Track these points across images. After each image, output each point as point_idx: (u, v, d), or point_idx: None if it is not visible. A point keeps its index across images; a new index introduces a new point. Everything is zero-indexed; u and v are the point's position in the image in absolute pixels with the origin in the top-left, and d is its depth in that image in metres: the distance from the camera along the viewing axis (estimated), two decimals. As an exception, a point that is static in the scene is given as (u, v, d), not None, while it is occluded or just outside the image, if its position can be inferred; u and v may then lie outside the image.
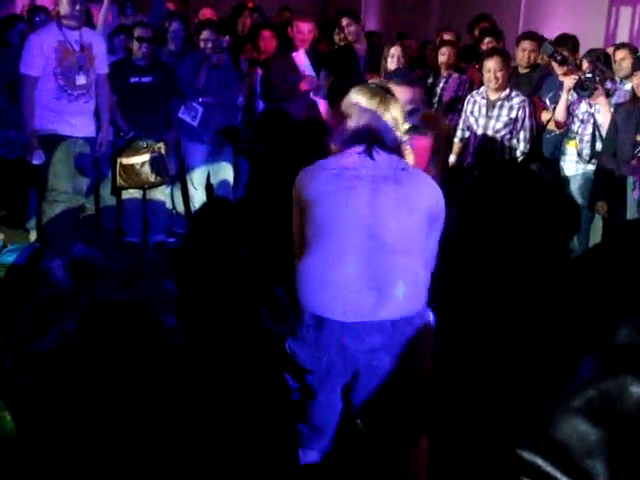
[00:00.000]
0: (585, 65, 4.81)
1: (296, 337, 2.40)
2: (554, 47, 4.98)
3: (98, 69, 4.75)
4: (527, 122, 4.97)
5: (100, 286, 4.62)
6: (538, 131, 5.09)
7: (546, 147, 5.12)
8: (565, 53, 5.14)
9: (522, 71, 5.64)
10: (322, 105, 5.91)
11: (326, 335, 2.31)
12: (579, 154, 4.80)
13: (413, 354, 2.35)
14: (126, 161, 5.17)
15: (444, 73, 5.85)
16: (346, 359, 2.33)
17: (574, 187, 4.86)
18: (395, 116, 2.47)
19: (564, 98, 4.82)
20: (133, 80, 5.27)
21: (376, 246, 2.28)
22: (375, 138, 2.39)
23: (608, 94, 4.68)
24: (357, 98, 2.47)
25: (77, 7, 4.53)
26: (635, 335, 1.11)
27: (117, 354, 3.68)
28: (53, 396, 3.29)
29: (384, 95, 2.50)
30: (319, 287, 2.32)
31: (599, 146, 4.72)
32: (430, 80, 5.88)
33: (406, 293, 2.29)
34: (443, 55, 5.84)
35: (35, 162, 4.54)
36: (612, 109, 4.65)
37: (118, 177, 5.22)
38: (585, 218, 4.81)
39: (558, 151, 4.99)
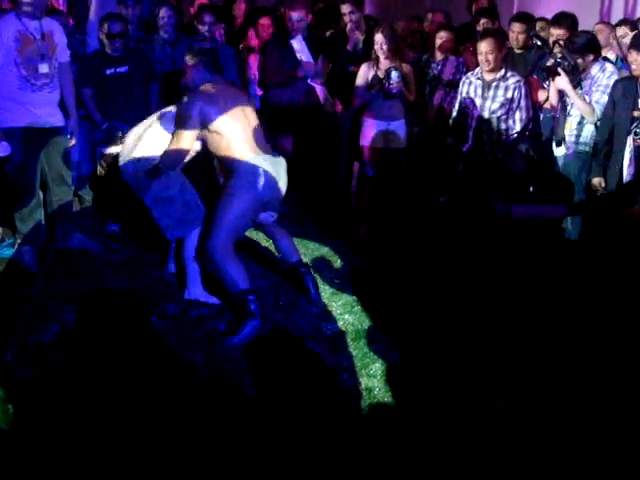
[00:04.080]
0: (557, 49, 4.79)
1: None
2: (533, 30, 4.99)
3: (60, 57, 4.70)
4: (523, 102, 4.96)
5: (100, 277, 4.62)
6: (535, 111, 5.06)
7: (544, 127, 5.10)
8: (561, 32, 5.11)
9: (517, 52, 5.61)
10: (320, 91, 5.89)
11: None
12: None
13: None
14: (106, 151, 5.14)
15: (440, 56, 5.81)
16: None
17: (566, 168, 4.81)
18: None
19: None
20: (109, 72, 5.24)
21: None
22: None
23: (579, 82, 4.62)
24: None
25: None
26: None
27: (118, 344, 3.70)
28: (55, 388, 3.30)
29: None
30: None
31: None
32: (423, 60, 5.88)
33: None
34: (441, 39, 5.81)
35: (1, 154, 4.47)
36: (590, 95, 4.63)
37: (99, 168, 5.19)
38: (577, 199, 4.76)
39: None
